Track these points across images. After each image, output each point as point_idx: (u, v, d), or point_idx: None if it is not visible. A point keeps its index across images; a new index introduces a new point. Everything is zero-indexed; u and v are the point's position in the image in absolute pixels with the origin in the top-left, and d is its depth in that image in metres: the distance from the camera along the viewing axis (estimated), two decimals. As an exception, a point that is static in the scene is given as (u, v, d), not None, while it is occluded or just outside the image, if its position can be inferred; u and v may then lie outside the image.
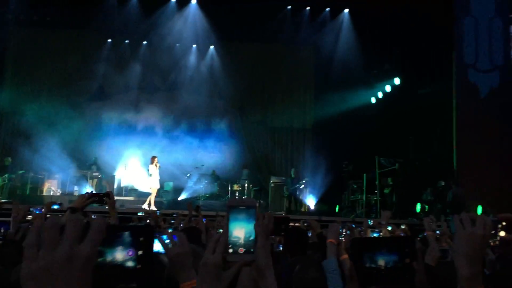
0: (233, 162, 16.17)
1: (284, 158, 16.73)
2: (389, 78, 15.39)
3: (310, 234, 4.79)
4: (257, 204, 1.44)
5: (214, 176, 14.94)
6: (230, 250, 1.32)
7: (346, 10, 15.48)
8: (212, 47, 16.24)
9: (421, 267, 1.60)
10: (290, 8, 15.23)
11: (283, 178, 14.76)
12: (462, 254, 1.32)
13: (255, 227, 1.33)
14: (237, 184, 14.51)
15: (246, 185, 14.42)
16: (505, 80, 12.97)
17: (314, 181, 15.11)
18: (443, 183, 12.79)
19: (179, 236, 1.75)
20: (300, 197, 14.48)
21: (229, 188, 14.34)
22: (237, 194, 14.01)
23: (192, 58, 16.29)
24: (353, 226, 5.70)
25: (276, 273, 1.35)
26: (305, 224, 6.15)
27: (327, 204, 14.89)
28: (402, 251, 1.46)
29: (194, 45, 16.16)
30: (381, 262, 1.46)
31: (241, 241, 1.31)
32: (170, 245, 1.70)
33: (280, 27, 15.07)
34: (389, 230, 4.74)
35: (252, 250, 1.31)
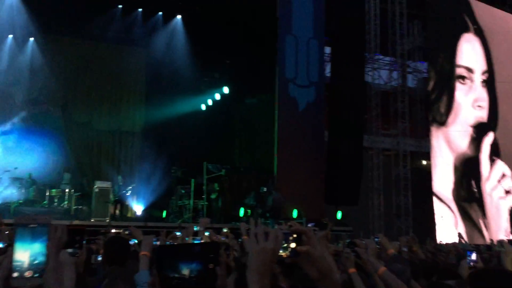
0: (53, 165, 14.94)
1: (111, 162, 16.03)
2: (218, 87, 15.90)
3: (133, 242, 4.64)
4: (51, 221, 1.33)
5: (30, 180, 13.59)
6: (15, 274, 1.19)
7: (179, 17, 15.54)
8: (32, 39, 14.80)
9: (223, 272, 1.61)
10: (121, 7, 14.69)
11: (109, 182, 14.11)
12: (254, 269, 1.32)
13: (47, 247, 1.22)
14: (56, 189, 13.43)
15: (67, 190, 13.42)
16: (320, 96, 14.41)
17: (142, 186, 14.77)
18: (264, 189, 13.60)
19: None
20: (127, 203, 14.00)
21: (47, 194, 13.20)
22: (55, 201, 12.99)
23: (8, 50, 14.65)
24: (178, 234, 5.67)
25: (92, 286, 1.26)
26: (126, 233, 5.95)
27: (155, 210, 14.70)
28: (206, 258, 1.41)
29: (11, 36, 14.57)
30: (186, 271, 1.42)
31: (26, 264, 1.19)
32: None
33: (109, 25, 14.46)
34: (207, 236, 4.86)
35: (39, 273, 1.20)
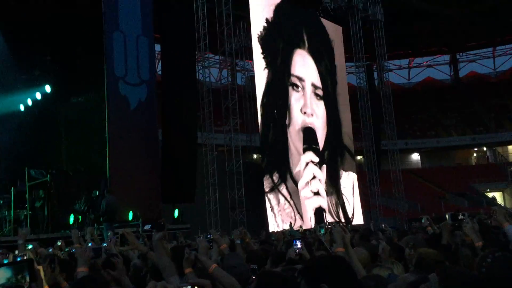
0: None
1: None
2: (39, 85, 14.58)
3: None
4: None
5: None
6: None
7: None
8: None
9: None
10: None
11: None
12: None
13: None
14: None
15: None
16: (151, 94, 14.18)
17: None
18: (97, 192, 12.93)
19: None
20: None
21: None
22: None
23: None
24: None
25: None
26: None
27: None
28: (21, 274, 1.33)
29: None
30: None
31: None
32: None
33: None
34: (29, 250, 4.42)
35: None
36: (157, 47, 19.73)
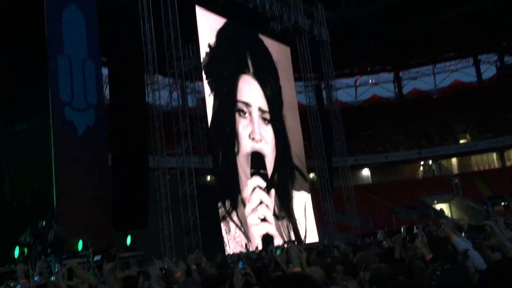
0: None
1: None
2: (-21, 113, 13.93)
3: None
4: None
5: None
6: None
7: None
8: None
9: None
10: None
11: None
12: None
13: None
14: None
15: None
16: (99, 118, 13.84)
17: None
18: (44, 223, 12.37)
19: None
20: None
21: None
22: None
23: None
24: None
25: None
26: None
27: None
28: None
29: None
30: None
31: None
32: None
33: None
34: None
35: None
36: (105, 71, 19.37)
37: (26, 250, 11.74)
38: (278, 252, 4.39)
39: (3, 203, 13.28)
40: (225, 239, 17.43)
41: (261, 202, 19.33)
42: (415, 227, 5.23)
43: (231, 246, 17.40)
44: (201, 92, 23.10)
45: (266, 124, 21.08)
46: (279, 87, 23.16)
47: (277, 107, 22.48)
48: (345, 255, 5.96)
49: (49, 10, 13.10)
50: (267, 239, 18.90)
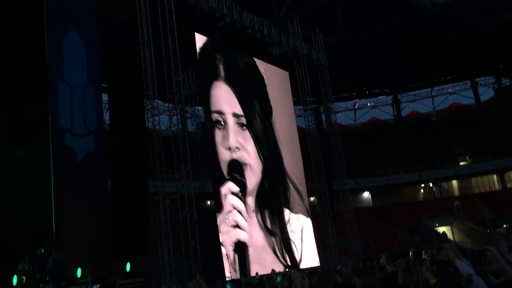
0: None
1: None
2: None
3: None
4: None
5: None
6: None
7: None
8: None
9: None
10: None
11: None
12: None
13: None
14: None
15: None
16: (99, 144, 13.83)
17: None
18: (42, 250, 12.24)
19: None
20: None
21: None
22: None
23: None
24: None
25: None
26: None
27: None
28: None
29: None
30: None
31: None
32: None
33: None
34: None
35: None
36: (105, 97, 19.47)
37: (24, 278, 11.59)
38: (279, 278, 4.32)
39: (2, 229, 13.16)
40: (225, 265, 17.19)
41: (232, 209, 18.45)
42: (423, 252, 5.12)
43: (232, 272, 17.17)
44: (200, 116, 23.21)
45: (243, 130, 20.18)
46: (267, 100, 22.60)
47: (265, 117, 21.79)
48: (347, 282, 5.88)
49: (50, 37, 13.24)
50: (239, 246, 17.97)
